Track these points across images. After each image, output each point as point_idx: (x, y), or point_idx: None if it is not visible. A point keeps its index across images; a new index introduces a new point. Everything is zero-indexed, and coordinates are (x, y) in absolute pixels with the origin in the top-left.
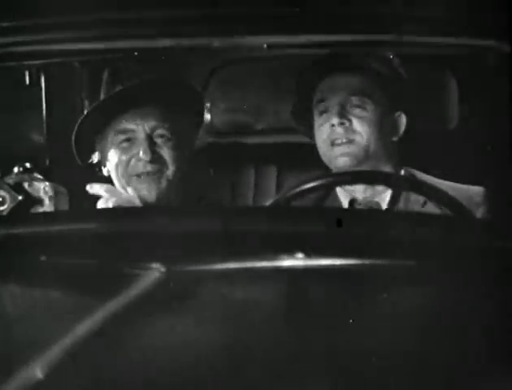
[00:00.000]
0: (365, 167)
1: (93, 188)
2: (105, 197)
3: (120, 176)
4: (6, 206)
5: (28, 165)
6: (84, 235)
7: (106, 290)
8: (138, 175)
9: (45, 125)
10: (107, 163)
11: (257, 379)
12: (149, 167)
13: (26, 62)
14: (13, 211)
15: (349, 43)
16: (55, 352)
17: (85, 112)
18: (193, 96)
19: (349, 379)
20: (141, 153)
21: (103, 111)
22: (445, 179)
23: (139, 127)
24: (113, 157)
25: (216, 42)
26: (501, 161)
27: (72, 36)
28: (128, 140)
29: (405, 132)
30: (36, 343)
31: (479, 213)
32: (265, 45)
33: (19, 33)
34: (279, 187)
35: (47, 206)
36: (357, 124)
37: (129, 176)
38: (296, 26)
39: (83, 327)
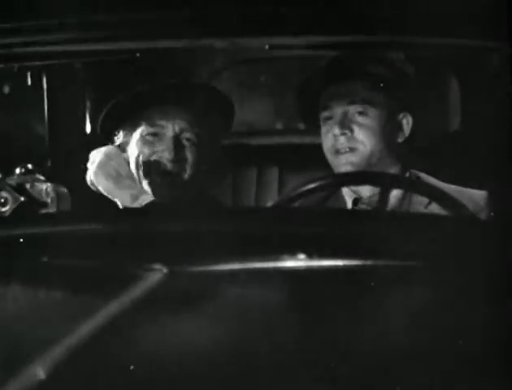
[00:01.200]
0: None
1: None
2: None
3: (139, 167)
4: (8, 207)
5: (29, 166)
6: (85, 236)
7: (108, 291)
8: (157, 173)
9: (46, 126)
10: (128, 149)
11: (259, 380)
12: (169, 166)
13: (28, 64)
14: (15, 212)
15: (352, 44)
16: (58, 352)
17: (124, 95)
18: (226, 104)
19: (352, 380)
20: (166, 152)
21: (140, 99)
22: (449, 182)
23: (169, 124)
24: (136, 146)
25: (218, 43)
26: (503, 163)
27: (74, 37)
28: (155, 134)
29: (412, 132)
30: (39, 343)
31: (482, 216)
32: (267, 46)
33: (21, 34)
34: (281, 188)
35: (49, 207)
36: (358, 133)
37: (148, 171)
38: (297, 27)
39: (84, 328)
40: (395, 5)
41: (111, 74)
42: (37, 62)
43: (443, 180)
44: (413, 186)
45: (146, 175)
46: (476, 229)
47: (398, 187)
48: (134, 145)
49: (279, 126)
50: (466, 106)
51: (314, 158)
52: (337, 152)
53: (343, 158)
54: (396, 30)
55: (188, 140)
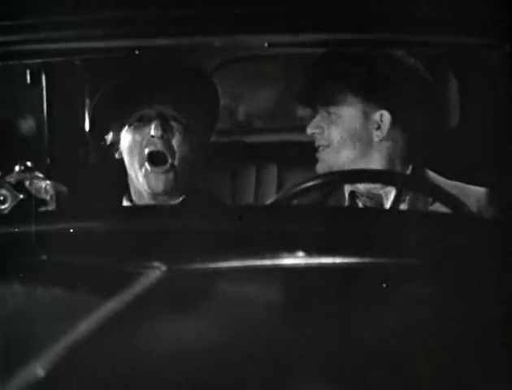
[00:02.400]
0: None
1: None
2: None
3: (134, 158)
4: (7, 205)
5: (29, 164)
6: (84, 233)
7: (107, 289)
8: (150, 160)
9: (46, 124)
10: (120, 145)
11: (258, 378)
12: (159, 145)
13: (27, 61)
14: (14, 210)
15: (348, 42)
16: (57, 350)
17: (101, 92)
18: (211, 90)
19: (351, 378)
20: (153, 130)
21: (119, 91)
22: (450, 178)
23: (155, 106)
24: (126, 137)
25: (217, 41)
26: (503, 160)
27: (73, 34)
28: (140, 119)
29: (392, 128)
30: (38, 341)
31: (484, 213)
32: (266, 44)
33: (20, 32)
34: (280, 185)
35: (48, 205)
36: (328, 131)
37: (142, 159)
38: (296, 25)
39: (84, 326)
40: (393, 2)
41: (111, 71)
42: (36, 60)
43: (445, 177)
44: (414, 184)
45: (141, 166)
46: (478, 227)
47: (401, 185)
48: (125, 137)
49: (277, 123)
50: (465, 103)
51: (313, 155)
52: (316, 150)
53: (318, 156)
54: (394, 28)
55: (174, 119)
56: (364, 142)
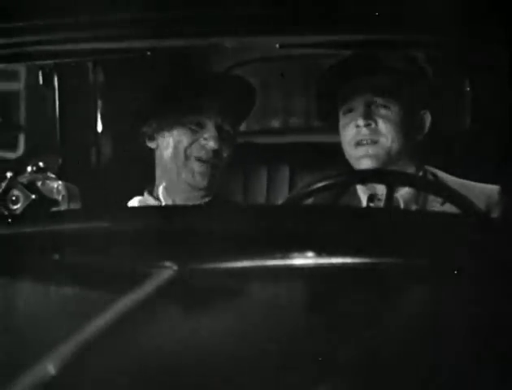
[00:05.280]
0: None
1: None
2: None
3: (178, 155)
4: (19, 205)
5: (41, 164)
6: (96, 233)
7: (118, 288)
8: (199, 160)
9: (58, 124)
10: (161, 139)
11: (268, 377)
12: (210, 155)
13: (40, 62)
14: (26, 210)
15: (363, 43)
16: (68, 349)
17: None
18: (249, 91)
19: (361, 378)
20: (211, 141)
21: (174, 91)
22: (462, 177)
23: (211, 116)
24: (177, 135)
25: (229, 42)
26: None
27: (85, 35)
28: (198, 124)
29: (430, 130)
30: (50, 340)
31: (496, 211)
32: (277, 45)
33: (32, 33)
34: (291, 187)
35: (60, 205)
36: (382, 125)
37: (188, 157)
38: (307, 26)
39: (95, 325)
40: (403, 3)
41: (123, 72)
42: (49, 61)
43: (457, 176)
44: (425, 185)
45: (186, 164)
46: (487, 227)
47: (411, 186)
48: (175, 135)
49: (290, 124)
50: (477, 104)
51: (326, 156)
52: (358, 143)
53: (363, 150)
54: (407, 29)
55: (227, 132)
56: (408, 140)
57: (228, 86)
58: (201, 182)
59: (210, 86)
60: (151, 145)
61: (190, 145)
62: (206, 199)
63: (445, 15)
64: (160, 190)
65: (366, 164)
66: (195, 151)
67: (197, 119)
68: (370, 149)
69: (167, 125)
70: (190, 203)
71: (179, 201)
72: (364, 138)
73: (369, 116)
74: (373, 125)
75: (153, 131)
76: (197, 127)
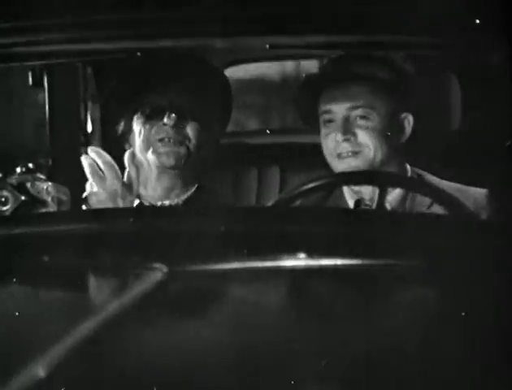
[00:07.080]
0: None
1: (89, 157)
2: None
3: (142, 141)
4: (8, 206)
5: (30, 165)
6: (86, 235)
7: (108, 290)
8: (161, 140)
9: (47, 125)
10: (131, 137)
11: (260, 380)
12: (171, 133)
13: (29, 63)
14: (16, 211)
15: (352, 44)
16: (58, 351)
17: (114, 80)
18: (223, 83)
19: (352, 381)
20: (165, 118)
21: (132, 80)
22: (449, 180)
23: (166, 99)
24: (138, 125)
25: (219, 43)
26: (503, 161)
27: (75, 36)
28: (154, 109)
29: (413, 131)
30: (39, 342)
31: (483, 214)
32: (267, 46)
33: (22, 34)
34: (282, 187)
35: (49, 206)
36: (362, 137)
37: (151, 141)
38: (298, 27)
39: (85, 327)
40: (395, 4)
41: (112, 73)
42: (39, 62)
43: (444, 179)
44: (414, 186)
45: (149, 146)
46: (476, 229)
47: (399, 186)
48: (136, 124)
49: (280, 125)
50: (467, 104)
51: (316, 157)
52: (339, 156)
53: (345, 163)
54: (396, 29)
55: (188, 110)
56: (391, 145)
57: (186, 68)
58: (167, 160)
59: (166, 69)
60: (128, 146)
61: (151, 129)
62: (190, 188)
63: (436, 15)
64: (140, 188)
65: None
66: (155, 134)
67: (156, 103)
68: (353, 162)
69: (132, 120)
70: (173, 193)
71: (160, 192)
72: (345, 151)
73: (347, 131)
74: (352, 138)
75: (124, 131)
76: (157, 113)
